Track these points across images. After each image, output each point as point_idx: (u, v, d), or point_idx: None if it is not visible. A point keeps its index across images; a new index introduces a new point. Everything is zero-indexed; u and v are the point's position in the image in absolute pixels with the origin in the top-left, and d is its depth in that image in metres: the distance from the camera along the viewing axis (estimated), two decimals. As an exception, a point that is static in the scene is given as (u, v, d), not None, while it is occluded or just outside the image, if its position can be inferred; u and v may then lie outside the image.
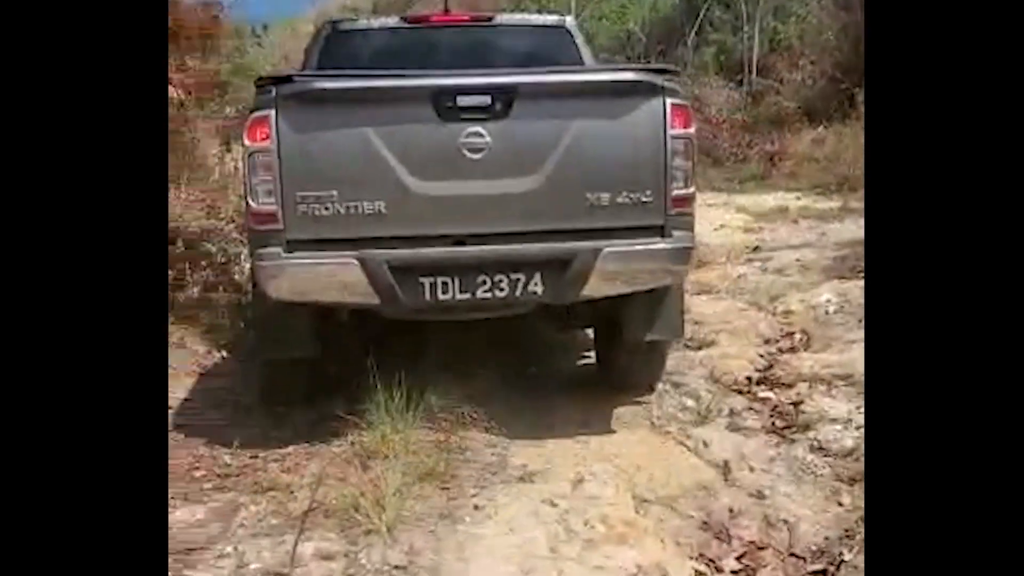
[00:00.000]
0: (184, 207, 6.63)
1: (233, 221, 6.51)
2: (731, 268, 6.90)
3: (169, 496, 2.95)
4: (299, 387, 4.09)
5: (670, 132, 3.50)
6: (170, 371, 4.37)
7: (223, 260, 6.11)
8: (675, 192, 3.53)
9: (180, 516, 3.07)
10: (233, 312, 5.48)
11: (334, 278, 3.44)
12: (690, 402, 4.22)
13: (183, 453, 3.65)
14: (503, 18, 5.08)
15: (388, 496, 2.99)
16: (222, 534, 2.95)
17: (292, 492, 3.21)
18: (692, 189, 3.59)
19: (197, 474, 3.49)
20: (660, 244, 3.55)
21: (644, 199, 3.51)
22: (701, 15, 17.44)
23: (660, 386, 4.34)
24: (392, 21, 5.00)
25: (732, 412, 4.13)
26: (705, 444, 3.81)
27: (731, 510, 3.32)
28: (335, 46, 4.67)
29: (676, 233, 3.56)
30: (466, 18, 4.94)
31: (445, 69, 4.01)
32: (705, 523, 3.26)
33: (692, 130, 3.56)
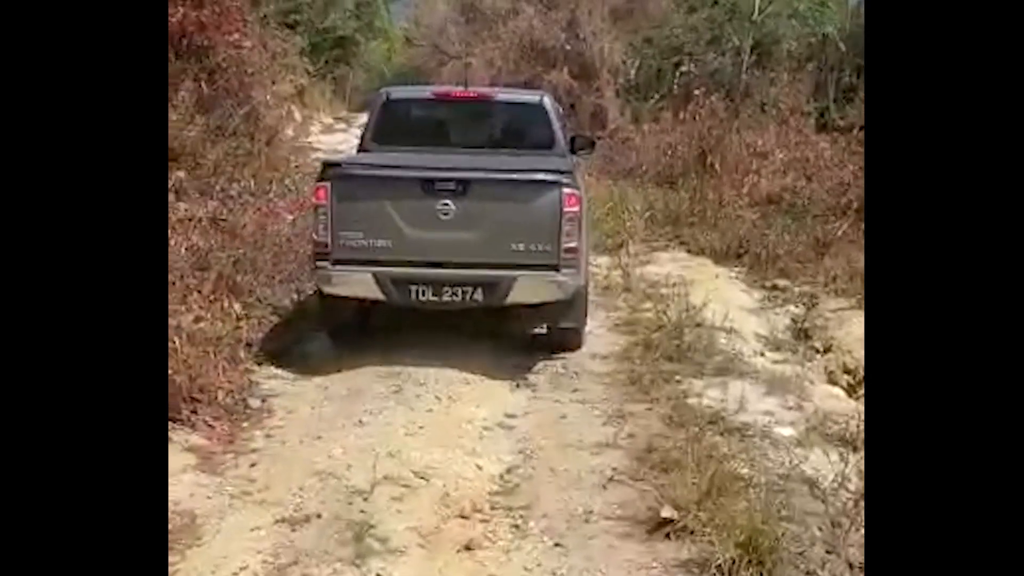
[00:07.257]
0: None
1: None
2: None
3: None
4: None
5: (564, 209, 5.72)
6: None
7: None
8: (565, 245, 5.74)
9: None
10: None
11: (358, 283, 5.88)
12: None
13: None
14: (500, 95, 7.53)
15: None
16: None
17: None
18: (576, 243, 5.79)
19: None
20: (553, 276, 5.79)
21: (546, 248, 5.76)
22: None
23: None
24: (427, 92, 7.68)
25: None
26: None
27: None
28: (388, 110, 7.12)
29: (565, 270, 5.77)
30: (474, 95, 7.30)
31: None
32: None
33: (578, 208, 5.76)
